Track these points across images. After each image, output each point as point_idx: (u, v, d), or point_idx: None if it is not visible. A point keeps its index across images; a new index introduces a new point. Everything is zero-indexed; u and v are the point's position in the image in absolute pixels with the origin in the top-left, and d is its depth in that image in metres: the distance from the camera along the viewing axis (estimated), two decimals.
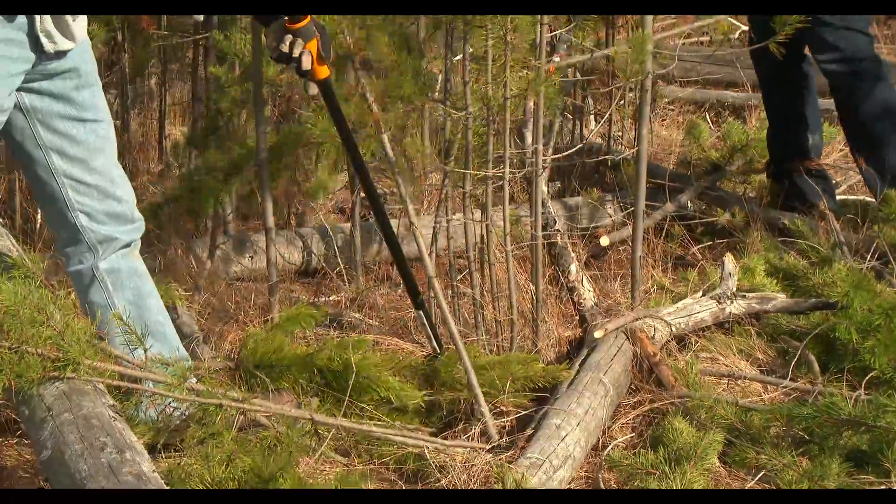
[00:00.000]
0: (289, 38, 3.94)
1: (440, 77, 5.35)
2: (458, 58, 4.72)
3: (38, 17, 3.64)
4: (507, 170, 4.50)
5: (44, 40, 3.70)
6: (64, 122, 3.85)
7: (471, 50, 4.61)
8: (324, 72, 4.08)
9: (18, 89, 3.74)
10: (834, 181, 6.07)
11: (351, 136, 4.32)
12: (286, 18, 3.94)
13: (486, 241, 4.71)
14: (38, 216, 5.59)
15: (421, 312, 4.38)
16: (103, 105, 3.97)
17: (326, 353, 4.25)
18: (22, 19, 3.62)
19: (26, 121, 3.82)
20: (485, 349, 4.61)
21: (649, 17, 4.85)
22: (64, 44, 3.76)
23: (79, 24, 3.79)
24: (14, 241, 4.66)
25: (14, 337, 3.16)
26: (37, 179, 3.93)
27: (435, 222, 4.85)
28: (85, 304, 4.00)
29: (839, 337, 4.52)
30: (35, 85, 3.78)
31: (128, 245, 4.03)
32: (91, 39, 5.63)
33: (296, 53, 3.95)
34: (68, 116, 3.85)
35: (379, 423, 4.01)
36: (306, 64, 3.98)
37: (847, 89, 5.66)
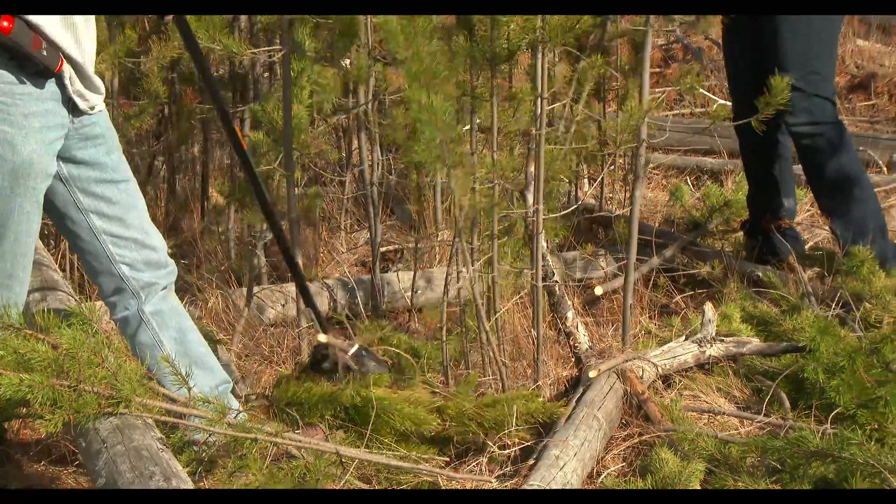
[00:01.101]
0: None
1: None
2: (466, 128, 4.72)
3: (68, 83, 3.63)
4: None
5: (77, 100, 3.69)
6: (100, 185, 3.84)
7: (478, 121, 4.64)
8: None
9: (57, 160, 3.74)
10: (803, 239, 6.06)
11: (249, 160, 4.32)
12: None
13: (492, 290, 4.71)
14: None
15: (304, 293, 4.44)
16: (127, 166, 3.96)
17: (350, 391, 4.25)
18: (53, 88, 3.61)
19: (66, 189, 3.81)
20: (491, 387, 4.61)
21: (646, 90, 4.86)
22: (94, 98, 3.76)
23: (98, 79, 3.81)
24: (71, 292, 4.68)
25: (73, 377, 3.16)
26: (79, 239, 3.92)
27: (447, 273, 4.85)
28: (134, 345, 3.99)
29: (807, 377, 4.51)
30: (71, 154, 3.77)
31: (165, 288, 4.03)
32: (141, 114, 5.71)
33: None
34: (103, 180, 3.84)
35: (397, 453, 4.01)
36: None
37: (814, 151, 5.65)
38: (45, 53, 3.53)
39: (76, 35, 3.65)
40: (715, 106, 7.81)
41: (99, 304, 4.55)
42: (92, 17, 3.76)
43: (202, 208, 6.23)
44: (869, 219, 5.64)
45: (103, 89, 3.85)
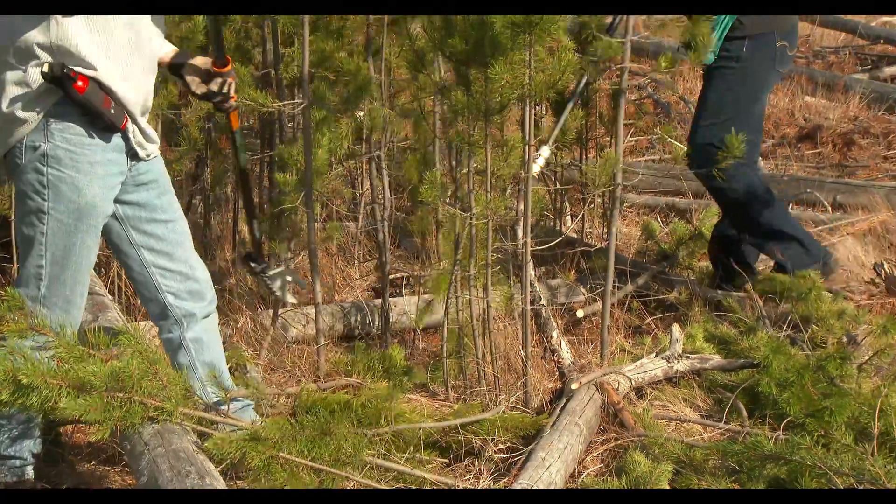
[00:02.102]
0: (218, 79, 3.94)
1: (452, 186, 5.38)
2: (464, 171, 4.75)
3: (131, 136, 3.67)
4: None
5: (138, 150, 3.73)
6: (150, 224, 3.87)
7: (475, 165, 4.66)
8: (235, 121, 4.16)
9: (115, 202, 3.77)
10: (758, 270, 6.06)
11: (245, 169, 4.42)
12: (211, 62, 3.92)
13: (486, 313, 4.73)
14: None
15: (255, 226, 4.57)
16: (178, 206, 4.00)
17: (363, 399, 4.26)
18: (118, 140, 3.65)
19: (121, 227, 3.85)
20: (486, 397, 4.62)
21: (621, 140, 4.88)
22: (151, 147, 3.81)
23: (153, 131, 3.84)
24: (119, 313, 4.69)
25: (127, 389, 3.17)
26: (131, 269, 3.95)
27: (447, 298, 4.86)
28: (175, 363, 4.01)
29: (762, 390, 4.52)
30: (127, 197, 3.81)
31: (207, 317, 4.05)
32: (180, 158, 5.72)
33: (225, 90, 3.96)
34: (153, 220, 3.87)
35: (403, 456, 4.01)
36: (234, 100, 4.03)
37: (721, 195, 5.68)
38: (112, 112, 3.58)
39: (139, 95, 3.70)
40: (681, 153, 7.82)
41: (144, 323, 4.56)
42: (152, 79, 3.80)
43: (233, 241, 6.24)
44: (789, 243, 5.65)
45: (157, 139, 3.89)
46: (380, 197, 5.73)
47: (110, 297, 4.99)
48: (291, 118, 5.81)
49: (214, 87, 3.95)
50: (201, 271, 4.03)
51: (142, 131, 3.74)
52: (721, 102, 5.51)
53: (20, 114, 3.55)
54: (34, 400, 3.02)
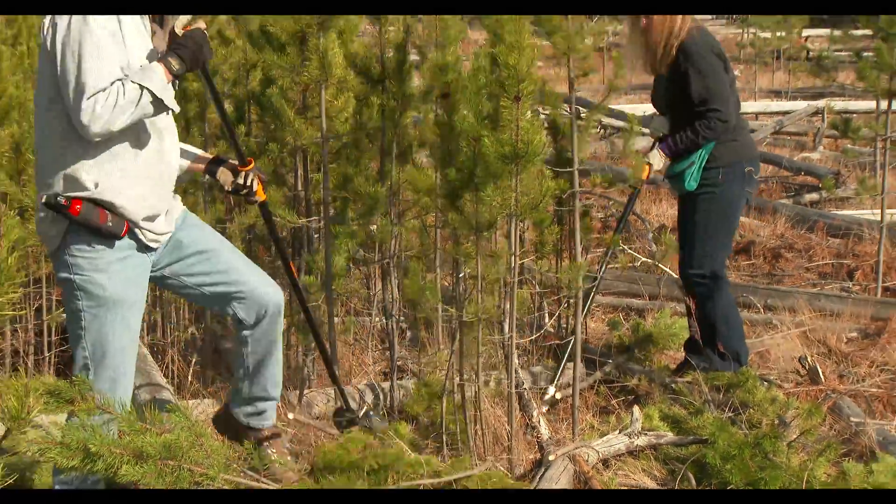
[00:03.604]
0: (242, 174, 3.98)
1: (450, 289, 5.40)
2: (462, 274, 4.77)
3: (141, 236, 3.62)
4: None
5: (151, 244, 3.70)
6: (196, 266, 3.84)
7: (468, 271, 4.67)
8: (262, 195, 4.12)
9: (157, 271, 3.74)
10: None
11: (280, 239, 4.41)
12: (236, 163, 3.97)
13: (478, 395, 4.71)
14: (189, 374, 5.59)
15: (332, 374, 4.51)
16: (214, 238, 3.95)
17: (370, 459, 4.19)
18: (128, 241, 3.60)
19: (175, 280, 3.83)
20: (475, 465, 4.57)
21: (578, 250, 4.89)
22: (163, 237, 3.75)
23: (171, 213, 3.78)
24: (172, 393, 4.67)
25: (178, 458, 3.13)
26: (200, 300, 3.95)
27: (445, 381, 4.83)
28: (236, 353, 4.01)
29: (709, 462, 4.46)
30: (166, 262, 3.79)
31: (265, 316, 3.95)
32: None
33: (249, 182, 3.99)
34: (196, 262, 3.84)
35: None
36: (260, 192, 4.05)
37: (704, 297, 5.69)
38: (110, 224, 3.54)
39: (145, 204, 3.62)
40: (639, 262, 7.86)
41: (193, 401, 4.51)
42: (171, 179, 3.75)
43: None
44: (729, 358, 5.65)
45: (179, 205, 3.84)
46: (389, 296, 5.74)
47: (165, 380, 4.97)
48: (317, 231, 5.85)
49: (241, 180, 3.98)
50: (254, 276, 3.94)
51: (149, 230, 3.66)
52: (707, 226, 5.56)
53: (47, 232, 3.58)
54: (100, 466, 2.98)
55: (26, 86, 5.57)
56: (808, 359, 5.82)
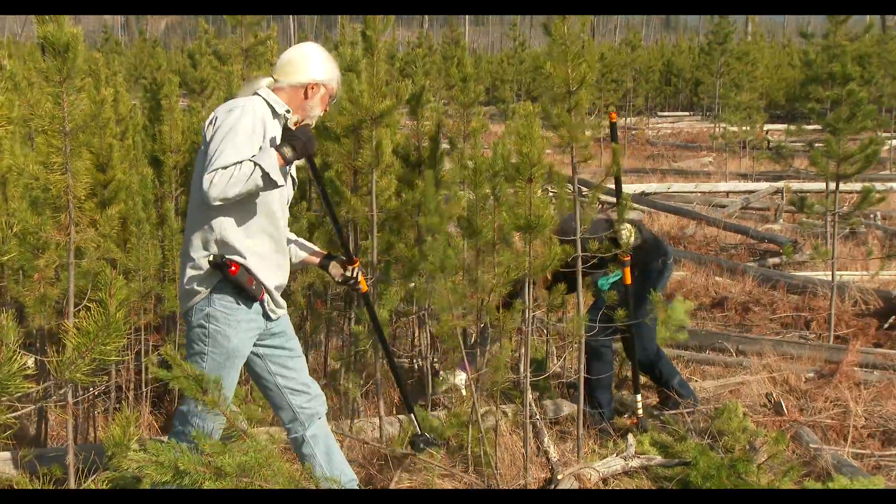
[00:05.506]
0: (350, 269, 4.04)
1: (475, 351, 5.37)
2: (482, 325, 4.76)
3: (266, 304, 3.70)
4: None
5: (270, 314, 3.76)
6: (281, 359, 3.88)
7: (488, 320, 4.66)
8: (365, 287, 4.16)
9: (256, 346, 3.78)
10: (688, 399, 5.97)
11: (376, 317, 4.37)
12: (345, 259, 4.04)
13: (497, 424, 4.67)
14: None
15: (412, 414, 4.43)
16: (299, 346, 3.99)
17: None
18: (257, 307, 3.68)
19: (262, 362, 3.86)
20: (496, 483, 4.52)
21: (580, 304, 4.87)
22: (280, 311, 3.82)
23: (283, 302, 3.85)
24: (245, 424, 4.63)
25: (250, 474, 3.12)
26: (268, 390, 3.93)
27: (471, 411, 4.80)
28: (300, 455, 3.96)
29: (692, 481, 4.41)
30: (265, 342, 3.83)
31: (320, 418, 3.98)
32: (290, 315, 5.73)
33: (355, 275, 4.05)
34: (284, 356, 3.88)
35: None
36: (363, 284, 4.11)
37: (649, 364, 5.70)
38: (254, 287, 3.61)
39: (275, 277, 3.73)
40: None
41: (260, 429, 4.49)
42: (285, 267, 3.82)
43: (325, 370, 6.22)
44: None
45: (285, 306, 3.91)
46: (424, 342, 5.72)
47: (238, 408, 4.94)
48: None
49: (349, 274, 4.06)
50: (315, 387, 3.99)
51: (274, 301, 3.76)
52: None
53: (196, 288, 3.61)
54: (187, 481, 2.98)
55: (131, 171, 5.65)
56: (774, 395, 5.76)
